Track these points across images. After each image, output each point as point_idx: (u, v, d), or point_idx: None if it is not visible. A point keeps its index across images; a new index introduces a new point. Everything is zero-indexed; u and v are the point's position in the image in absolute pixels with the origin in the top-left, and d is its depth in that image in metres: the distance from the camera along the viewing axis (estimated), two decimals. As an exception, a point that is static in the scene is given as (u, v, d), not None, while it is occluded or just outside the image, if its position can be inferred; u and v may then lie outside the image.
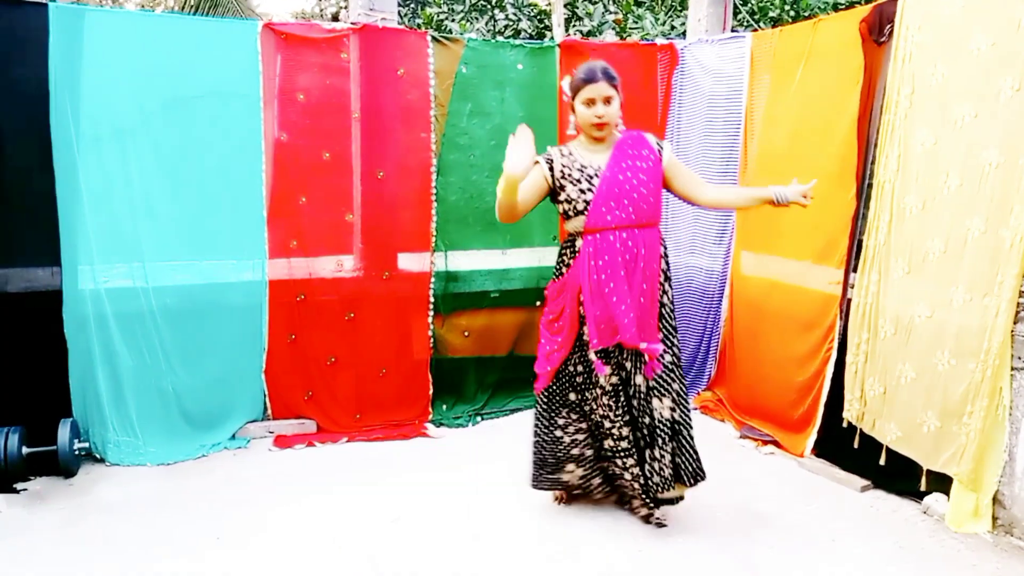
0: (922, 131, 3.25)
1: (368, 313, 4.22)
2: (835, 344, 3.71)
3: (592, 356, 2.95)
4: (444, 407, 4.40)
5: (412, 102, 4.22)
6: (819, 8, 6.28)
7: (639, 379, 2.97)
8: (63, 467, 3.46)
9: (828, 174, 3.74)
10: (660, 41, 4.82)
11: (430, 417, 4.35)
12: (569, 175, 2.94)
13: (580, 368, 3.03)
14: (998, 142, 2.95)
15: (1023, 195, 2.85)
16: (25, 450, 3.40)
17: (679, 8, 7.83)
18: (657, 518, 3.11)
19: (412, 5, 8.47)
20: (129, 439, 3.74)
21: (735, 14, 6.39)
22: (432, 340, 4.39)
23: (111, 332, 3.69)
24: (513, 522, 3.14)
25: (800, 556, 2.90)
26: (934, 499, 3.22)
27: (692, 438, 3.07)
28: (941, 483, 3.20)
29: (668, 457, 3.00)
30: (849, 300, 3.62)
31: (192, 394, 3.91)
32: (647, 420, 2.98)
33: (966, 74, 3.07)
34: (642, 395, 2.98)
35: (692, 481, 3.05)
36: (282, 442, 3.98)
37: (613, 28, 7.33)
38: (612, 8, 7.78)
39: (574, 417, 3.11)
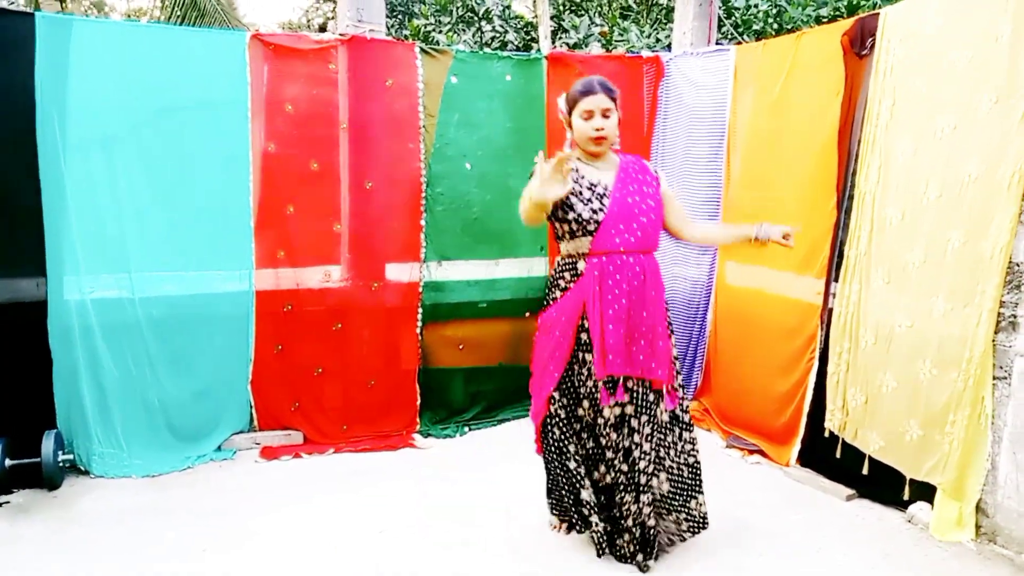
0: (902, 143, 3.29)
1: (356, 323, 4.22)
2: (816, 354, 3.75)
3: (597, 384, 2.81)
4: (432, 418, 4.40)
5: (400, 113, 4.23)
6: (802, 22, 6.37)
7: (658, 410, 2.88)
8: (47, 479, 3.43)
9: (810, 185, 3.79)
10: (646, 54, 4.86)
11: (418, 428, 4.34)
12: (578, 192, 2.76)
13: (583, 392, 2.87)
14: (978, 154, 2.99)
15: (1003, 206, 2.90)
16: (8, 462, 3.37)
17: (664, 21, 7.90)
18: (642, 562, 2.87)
19: (399, 17, 8.51)
20: (114, 451, 3.71)
21: (719, 27, 6.46)
22: (420, 350, 4.39)
23: (96, 343, 3.67)
24: (501, 536, 3.13)
25: (787, 565, 2.92)
26: (918, 508, 3.25)
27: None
28: (925, 492, 3.23)
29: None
30: (831, 310, 3.66)
31: (178, 405, 3.89)
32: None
33: (946, 87, 3.12)
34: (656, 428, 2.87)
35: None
36: (268, 453, 3.96)
37: (599, 41, 7.38)
38: (598, 21, 7.84)
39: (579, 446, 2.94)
